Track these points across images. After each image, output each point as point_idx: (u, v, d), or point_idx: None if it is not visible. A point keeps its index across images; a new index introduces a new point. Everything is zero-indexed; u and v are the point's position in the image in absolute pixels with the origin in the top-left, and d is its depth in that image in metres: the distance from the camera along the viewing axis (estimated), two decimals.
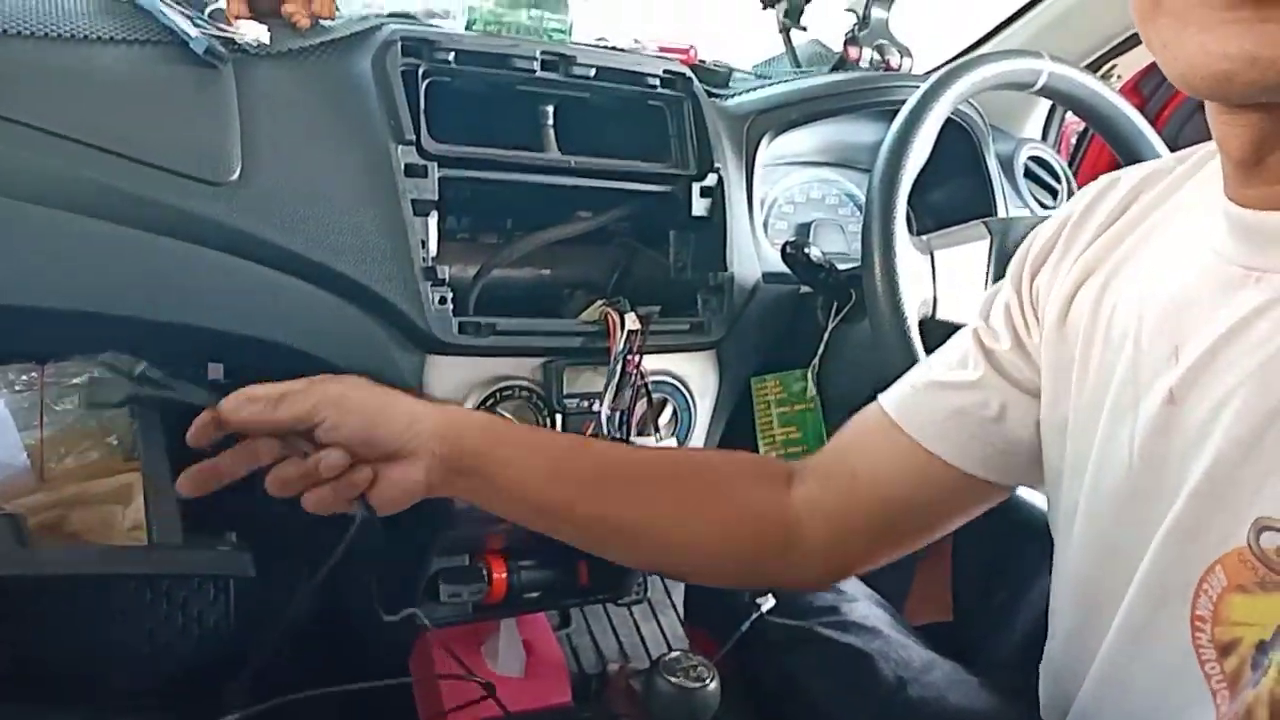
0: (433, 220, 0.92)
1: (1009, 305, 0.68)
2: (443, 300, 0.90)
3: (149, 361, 0.72)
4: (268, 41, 0.90)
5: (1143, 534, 0.53)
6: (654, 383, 1.00)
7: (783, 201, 1.28)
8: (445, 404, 0.89)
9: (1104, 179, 0.65)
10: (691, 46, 1.22)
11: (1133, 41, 1.44)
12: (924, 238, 1.01)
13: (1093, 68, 1.48)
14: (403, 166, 0.90)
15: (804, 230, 1.27)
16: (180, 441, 0.70)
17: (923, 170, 0.99)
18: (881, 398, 0.74)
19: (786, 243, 1.05)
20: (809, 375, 1.09)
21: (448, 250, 0.99)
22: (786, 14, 1.34)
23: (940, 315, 0.97)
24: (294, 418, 0.68)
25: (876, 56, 1.26)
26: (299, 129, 0.89)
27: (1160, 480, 0.52)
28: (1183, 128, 1.52)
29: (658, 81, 1.04)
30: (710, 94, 1.14)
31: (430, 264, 0.90)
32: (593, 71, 1.00)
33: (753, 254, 1.09)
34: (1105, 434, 0.57)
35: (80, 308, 0.79)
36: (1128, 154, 1.09)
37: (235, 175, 0.84)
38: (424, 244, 0.90)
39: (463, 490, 0.74)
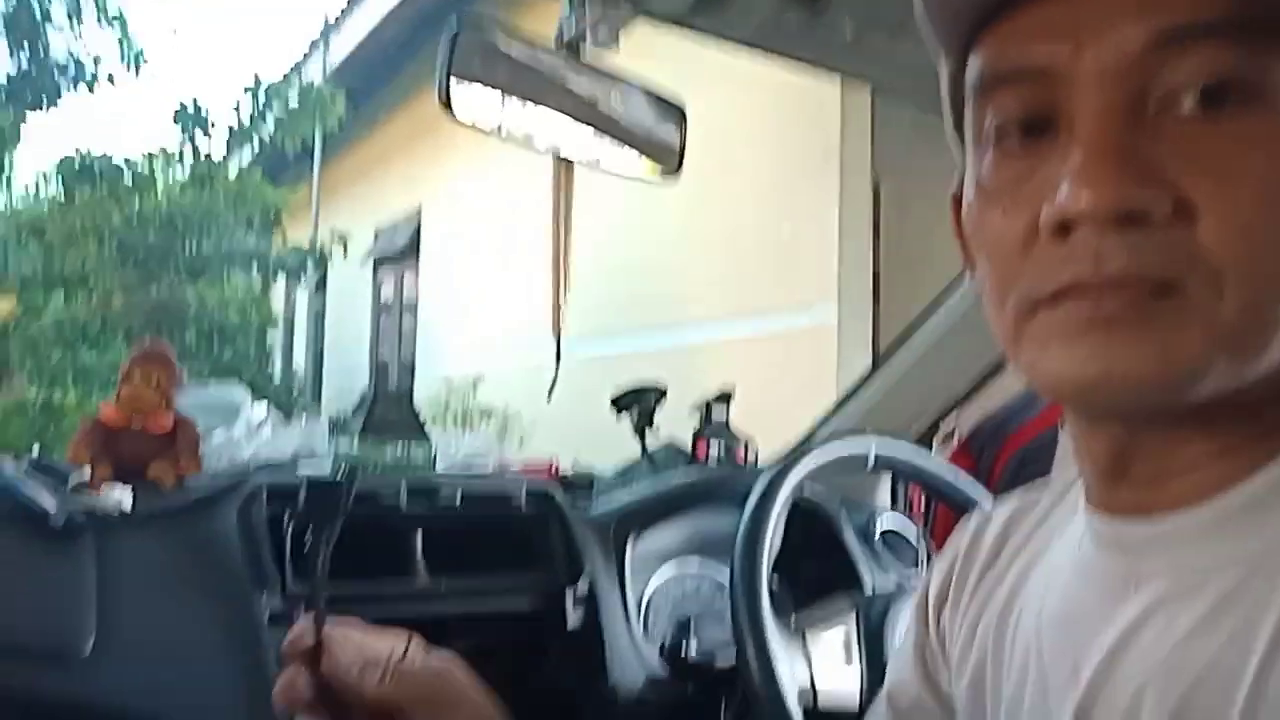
0: None
1: (921, 645, 0.68)
2: None
3: None
4: (129, 508, 0.92)
5: None
6: None
7: (659, 599, 1.29)
8: None
9: (975, 515, 0.68)
10: (554, 461, 1.29)
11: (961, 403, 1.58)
12: (794, 618, 1.03)
13: (932, 430, 1.60)
14: (267, 615, 0.89)
15: (683, 626, 1.26)
16: None
17: (785, 550, 1.03)
18: None
19: (663, 645, 1.06)
20: None
21: None
22: (639, 417, 1.44)
23: (821, 705, 0.97)
24: (391, 700, 0.60)
25: (722, 451, 1.36)
26: (159, 592, 0.88)
27: None
28: (1014, 480, 1.64)
29: (522, 502, 1.09)
30: (575, 504, 1.18)
31: None
32: (458, 499, 1.04)
33: (634, 660, 1.08)
34: None
35: None
36: (958, 509, 1.17)
37: (88, 649, 0.82)
38: None
39: None
